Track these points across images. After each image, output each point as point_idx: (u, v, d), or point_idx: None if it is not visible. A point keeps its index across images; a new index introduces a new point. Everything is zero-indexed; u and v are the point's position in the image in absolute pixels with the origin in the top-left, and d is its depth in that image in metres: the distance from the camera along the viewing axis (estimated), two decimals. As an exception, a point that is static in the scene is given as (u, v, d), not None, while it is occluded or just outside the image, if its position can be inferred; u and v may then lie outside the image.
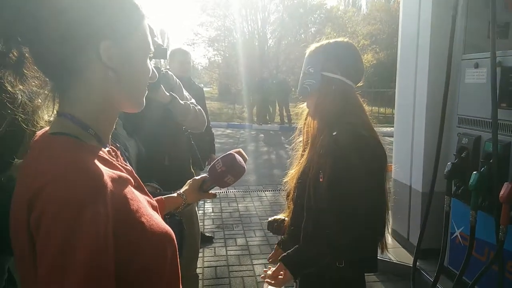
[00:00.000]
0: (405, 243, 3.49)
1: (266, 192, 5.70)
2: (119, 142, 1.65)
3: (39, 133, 0.79)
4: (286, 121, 13.86)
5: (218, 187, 1.40)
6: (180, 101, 2.11)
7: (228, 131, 12.83)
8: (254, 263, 3.54)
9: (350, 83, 1.44)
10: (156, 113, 2.04)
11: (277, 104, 14.40)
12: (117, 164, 0.79)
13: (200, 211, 4.82)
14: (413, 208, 3.39)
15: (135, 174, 0.87)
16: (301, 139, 1.62)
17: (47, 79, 0.76)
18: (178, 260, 0.89)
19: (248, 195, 5.56)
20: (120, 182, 0.73)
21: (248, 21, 24.28)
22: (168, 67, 3.76)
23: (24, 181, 0.69)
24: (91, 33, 0.72)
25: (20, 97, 0.76)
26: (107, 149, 0.80)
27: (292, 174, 1.56)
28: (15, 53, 0.71)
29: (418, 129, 3.29)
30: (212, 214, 4.84)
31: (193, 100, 2.32)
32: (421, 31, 3.22)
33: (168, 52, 3.45)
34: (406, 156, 3.45)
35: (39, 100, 0.77)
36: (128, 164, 0.87)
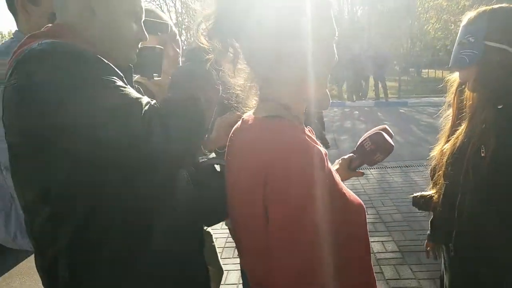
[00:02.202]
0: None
1: (371, 170, 5.57)
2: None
3: (245, 116, 0.89)
4: (382, 95, 13.26)
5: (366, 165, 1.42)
6: None
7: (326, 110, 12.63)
8: (371, 241, 3.48)
9: None
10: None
11: (371, 79, 13.82)
12: (316, 141, 0.86)
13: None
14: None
15: None
16: (449, 112, 1.56)
17: (253, 70, 0.85)
18: None
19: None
20: (326, 156, 0.80)
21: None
22: None
23: (250, 157, 0.78)
24: (294, 26, 0.78)
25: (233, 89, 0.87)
26: (307, 128, 0.88)
27: (444, 149, 1.51)
28: (231, 50, 0.82)
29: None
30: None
31: None
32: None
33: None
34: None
35: (248, 89, 0.87)
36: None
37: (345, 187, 0.86)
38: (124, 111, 0.84)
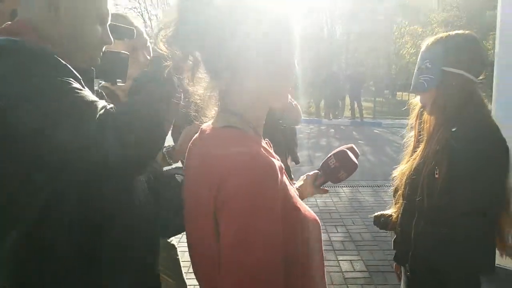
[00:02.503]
0: None
1: (344, 188, 5.61)
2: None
3: (204, 126, 0.87)
4: (358, 115, 13.51)
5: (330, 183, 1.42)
6: None
7: (297, 126, 12.76)
8: (339, 259, 3.51)
9: (472, 77, 1.38)
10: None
11: (348, 98, 14.07)
12: (273, 154, 0.85)
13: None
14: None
15: None
16: (412, 134, 1.59)
17: (213, 80, 0.83)
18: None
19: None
20: (280, 170, 0.78)
21: (316, 11, 23.93)
22: None
23: (204, 169, 0.76)
24: (247, 34, 0.77)
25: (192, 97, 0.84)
26: (264, 140, 0.87)
27: (403, 170, 1.54)
28: (191, 58, 0.80)
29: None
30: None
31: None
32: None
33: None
34: None
35: (207, 98, 0.84)
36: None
37: (301, 202, 0.85)
38: (77, 113, 0.81)
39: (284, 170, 0.83)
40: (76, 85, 0.84)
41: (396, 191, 1.62)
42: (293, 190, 0.85)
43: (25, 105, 0.78)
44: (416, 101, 1.58)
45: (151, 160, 0.96)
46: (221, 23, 0.76)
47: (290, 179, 1.49)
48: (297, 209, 0.80)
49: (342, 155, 1.33)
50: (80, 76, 0.91)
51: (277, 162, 0.77)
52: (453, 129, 1.33)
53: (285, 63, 0.84)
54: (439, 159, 1.32)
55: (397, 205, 1.60)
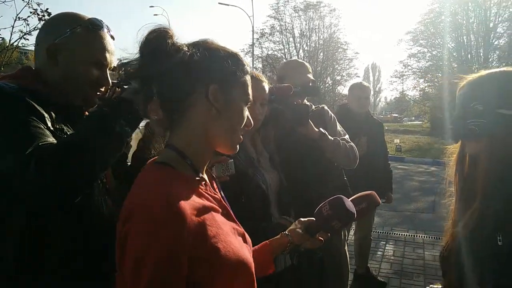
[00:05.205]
0: None
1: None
2: (258, 174, 1.77)
3: (149, 161, 0.96)
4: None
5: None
6: (329, 137, 2.12)
7: (433, 168, 11.61)
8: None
9: None
10: (306, 147, 2.11)
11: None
12: (204, 192, 0.90)
13: (379, 252, 4.53)
14: None
15: (225, 203, 0.98)
16: (452, 188, 1.34)
17: (164, 116, 0.92)
18: None
19: (437, 243, 4.87)
20: (201, 210, 0.83)
21: (465, 47, 22.03)
22: (346, 101, 3.81)
23: (127, 201, 0.85)
24: (205, 77, 0.87)
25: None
26: (197, 178, 0.91)
27: (452, 234, 1.28)
28: (146, 90, 0.90)
29: None
30: (392, 257, 4.46)
31: (346, 137, 2.29)
32: None
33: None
34: None
35: (156, 133, 0.95)
36: (218, 193, 0.97)
37: (229, 242, 0.86)
38: (17, 145, 0.99)
39: (216, 209, 0.88)
40: (35, 123, 1.03)
41: (445, 259, 1.36)
42: (224, 229, 0.87)
43: None
44: (453, 148, 1.34)
45: (77, 188, 1.07)
46: (174, 63, 0.85)
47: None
48: (215, 248, 0.82)
49: (337, 202, 1.23)
50: (75, 110, 1.15)
51: (197, 201, 0.82)
52: None
53: (233, 113, 0.91)
54: (503, 222, 1.09)
55: (446, 280, 1.34)
